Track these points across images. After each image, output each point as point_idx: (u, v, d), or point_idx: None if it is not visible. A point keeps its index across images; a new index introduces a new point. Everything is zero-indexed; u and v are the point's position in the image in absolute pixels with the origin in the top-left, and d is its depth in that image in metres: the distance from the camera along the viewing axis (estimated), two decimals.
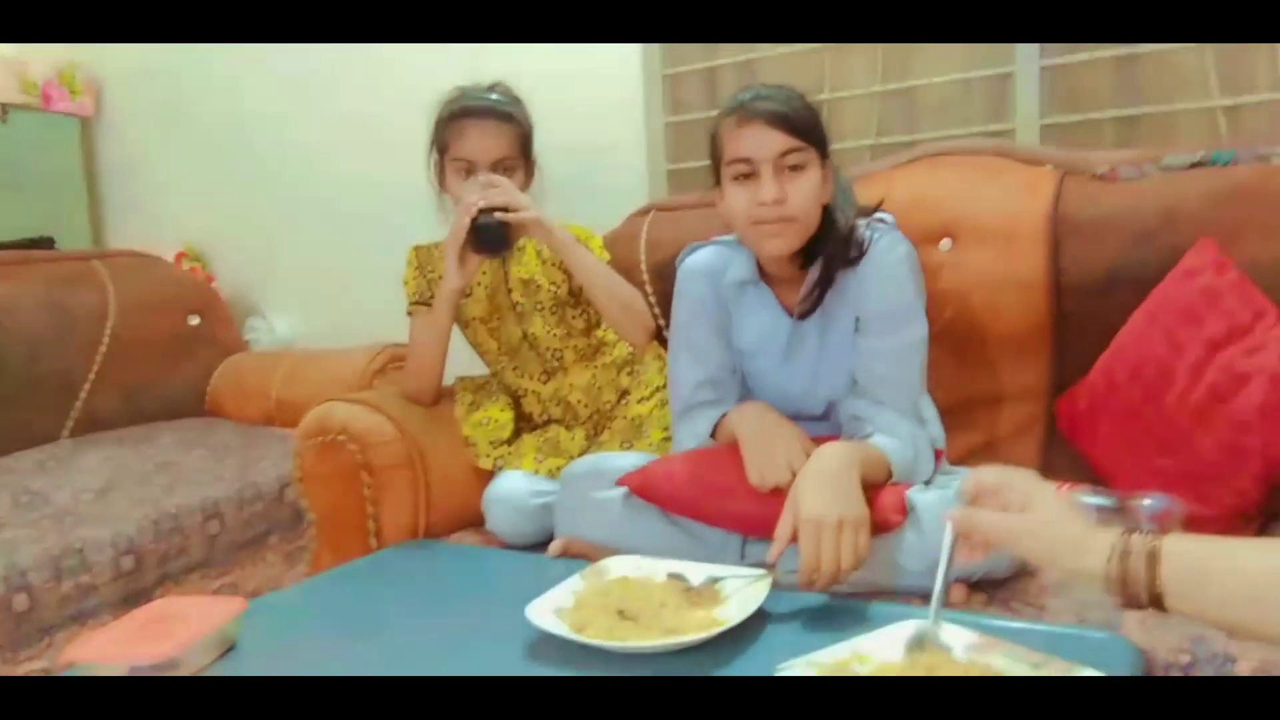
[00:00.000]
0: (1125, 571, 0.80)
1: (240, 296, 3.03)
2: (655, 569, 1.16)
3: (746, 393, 1.45)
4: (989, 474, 0.92)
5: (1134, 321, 1.47)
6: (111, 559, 1.75)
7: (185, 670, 1.01)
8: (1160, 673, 0.96)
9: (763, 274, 1.39)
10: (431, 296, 1.69)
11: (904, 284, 1.33)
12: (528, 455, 1.60)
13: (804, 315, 1.36)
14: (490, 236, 1.54)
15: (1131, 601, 0.80)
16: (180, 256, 2.97)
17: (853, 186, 1.39)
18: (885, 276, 1.32)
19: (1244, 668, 0.93)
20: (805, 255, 1.34)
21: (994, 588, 1.16)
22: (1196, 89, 1.81)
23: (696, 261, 1.44)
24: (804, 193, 1.27)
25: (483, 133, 1.60)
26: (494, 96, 1.65)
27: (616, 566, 1.17)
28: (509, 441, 1.65)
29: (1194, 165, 1.56)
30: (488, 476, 1.57)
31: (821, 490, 1.10)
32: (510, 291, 1.70)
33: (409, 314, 1.72)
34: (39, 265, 2.54)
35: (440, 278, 1.65)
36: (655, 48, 2.27)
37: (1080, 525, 0.89)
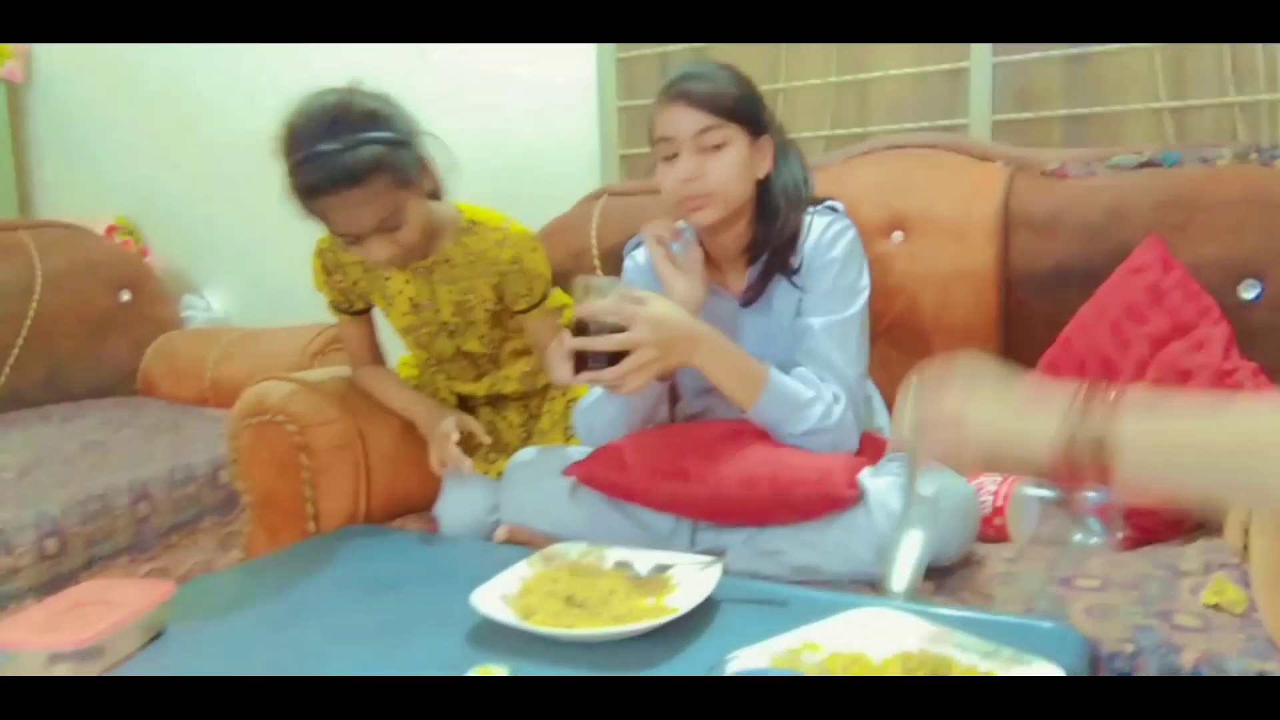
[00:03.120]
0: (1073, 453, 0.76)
1: (176, 272, 2.93)
2: (604, 556, 1.14)
3: (691, 379, 1.43)
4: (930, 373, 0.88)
5: (1080, 317, 1.49)
6: (34, 541, 1.68)
7: (109, 658, 0.97)
8: (1105, 660, 0.97)
9: (707, 259, 1.38)
10: (349, 305, 1.56)
11: (848, 266, 1.34)
12: (476, 460, 1.51)
13: (748, 303, 1.37)
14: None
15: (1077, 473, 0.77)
16: (112, 229, 2.87)
17: (807, 166, 1.40)
18: (829, 260, 1.33)
19: (1188, 656, 0.94)
20: (749, 238, 1.36)
21: (942, 576, 1.16)
22: (1145, 90, 1.83)
23: (642, 252, 1.43)
24: (722, 169, 1.29)
25: (341, 208, 1.29)
26: (337, 146, 1.26)
27: (564, 552, 1.15)
28: None
29: (1141, 165, 1.58)
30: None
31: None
32: (439, 311, 1.52)
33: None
34: None
35: (353, 284, 1.52)
36: None
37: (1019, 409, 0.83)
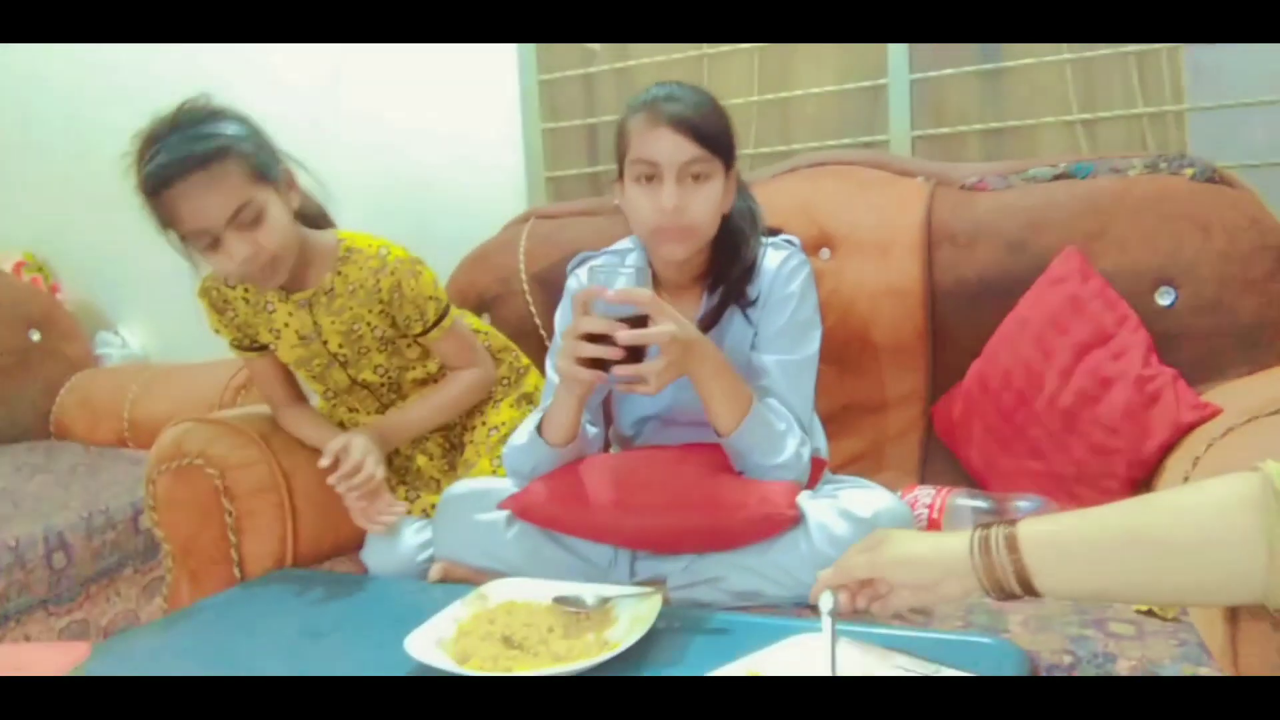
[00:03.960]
0: (990, 563, 0.82)
1: (88, 309, 2.83)
2: (541, 592, 1.11)
3: (634, 405, 1.42)
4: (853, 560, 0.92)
5: (1004, 328, 1.51)
6: None
7: None
8: (1045, 673, 0.98)
9: (656, 283, 1.36)
10: (248, 340, 1.50)
11: (804, 302, 1.32)
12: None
13: (705, 330, 1.31)
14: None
15: (1002, 591, 0.82)
16: (19, 266, 2.75)
17: (753, 195, 1.39)
18: (787, 295, 1.31)
19: (1123, 666, 0.95)
20: (704, 266, 1.33)
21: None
22: (1057, 104, 1.88)
23: (585, 271, 1.40)
24: (705, 203, 1.24)
25: (194, 197, 1.25)
26: (182, 137, 1.27)
27: (500, 591, 1.12)
28: None
29: (1056, 177, 1.62)
30: None
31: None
32: (326, 343, 1.46)
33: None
34: None
35: (244, 321, 1.46)
36: (531, 53, 2.23)
37: (933, 536, 0.90)
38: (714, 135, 1.23)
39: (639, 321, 1.11)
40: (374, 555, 1.43)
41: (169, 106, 1.30)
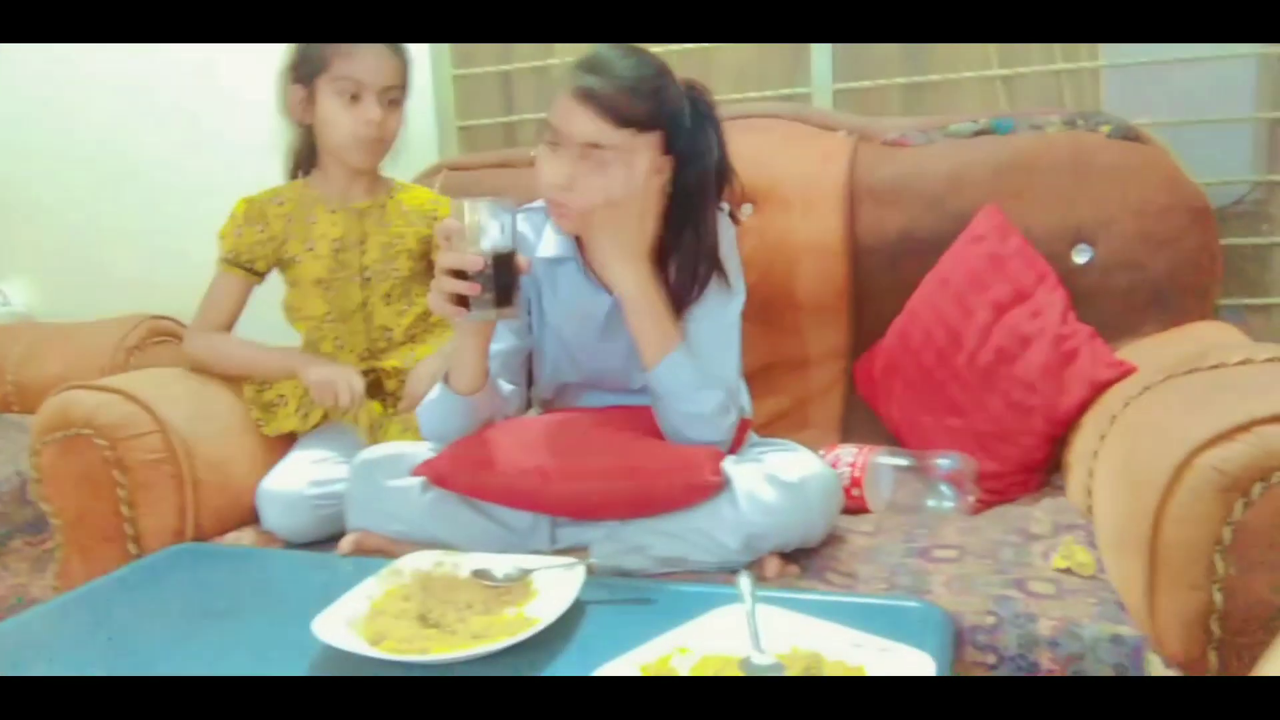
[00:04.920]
0: None
1: None
2: (459, 564, 1.07)
3: (556, 370, 1.38)
4: None
5: (925, 286, 1.51)
6: None
7: None
8: (968, 634, 0.98)
9: (578, 246, 1.31)
10: (251, 260, 1.53)
11: (727, 264, 1.29)
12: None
13: (678, 309, 1.27)
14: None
15: None
16: None
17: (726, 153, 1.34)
18: None
19: (1045, 626, 0.95)
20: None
21: (808, 557, 1.15)
22: (977, 60, 1.87)
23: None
24: (596, 190, 1.19)
25: (375, 54, 1.44)
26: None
27: (415, 564, 1.07)
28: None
29: (977, 134, 1.61)
30: (268, 468, 1.42)
31: None
32: (364, 253, 1.53)
33: (219, 268, 1.55)
34: None
35: (270, 237, 1.52)
36: None
37: None
38: (635, 114, 1.17)
39: (504, 257, 1.09)
40: (267, 480, 1.39)
41: None
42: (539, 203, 1.33)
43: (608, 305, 1.31)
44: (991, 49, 1.85)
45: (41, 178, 2.54)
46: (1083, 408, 1.32)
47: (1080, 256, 1.48)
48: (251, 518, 1.41)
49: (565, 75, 1.20)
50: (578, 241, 1.31)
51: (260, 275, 1.56)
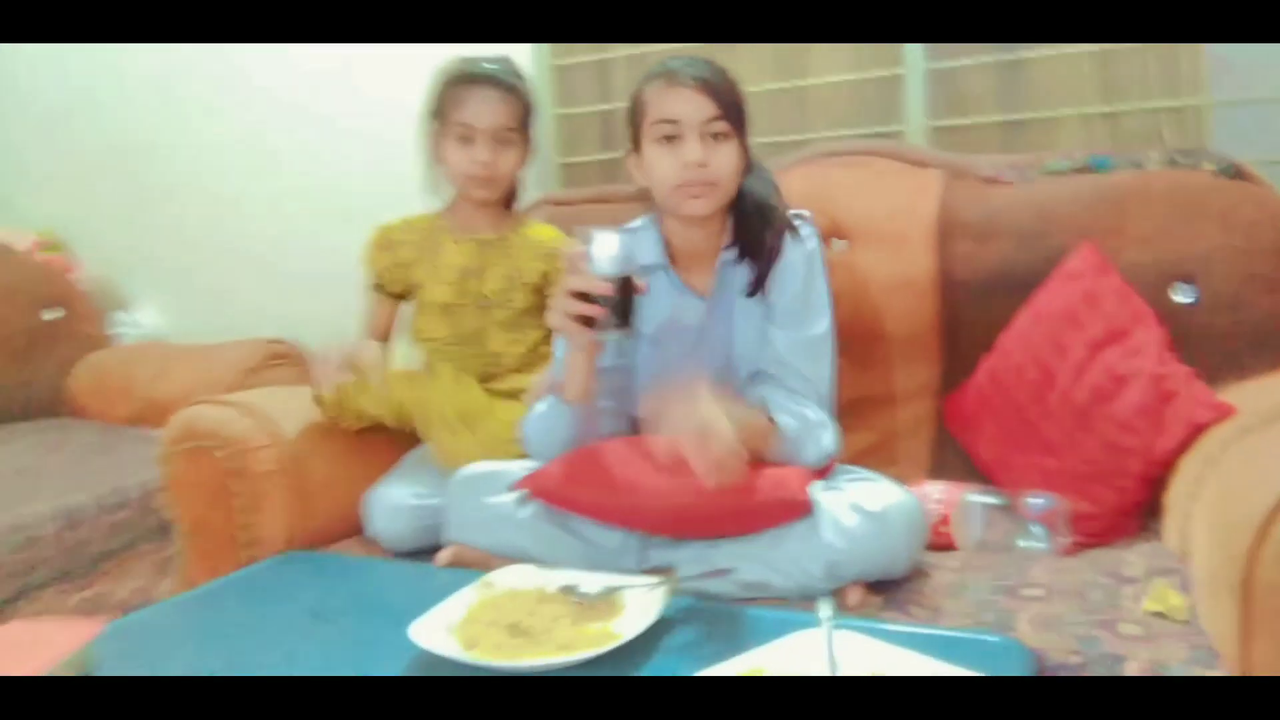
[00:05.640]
0: None
1: (106, 288, 2.84)
2: (549, 580, 1.11)
3: (652, 383, 1.42)
4: None
5: (1018, 323, 1.50)
6: None
7: None
8: (1051, 673, 0.97)
9: (671, 255, 1.37)
10: (383, 283, 1.68)
11: (813, 277, 1.34)
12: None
13: (750, 294, 1.34)
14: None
15: None
16: (36, 245, 2.77)
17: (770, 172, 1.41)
18: (796, 268, 1.33)
19: (1132, 667, 0.94)
20: (720, 236, 1.35)
21: (891, 589, 1.16)
22: (1076, 96, 1.86)
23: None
24: (726, 160, 1.27)
25: (483, 100, 1.55)
26: (496, 67, 1.60)
27: (507, 578, 1.12)
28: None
29: (1075, 170, 1.60)
30: (372, 484, 1.49)
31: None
32: (484, 281, 1.62)
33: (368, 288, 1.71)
34: None
35: (401, 263, 1.65)
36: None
37: None
38: (731, 98, 1.28)
39: (625, 282, 1.16)
40: (375, 490, 1.47)
41: None
42: (636, 222, 1.39)
43: (699, 311, 1.35)
44: (1091, 85, 1.83)
45: (174, 211, 2.72)
46: (1181, 450, 1.29)
47: (1181, 296, 1.45)
48: (356, 529, 1.49)
49: (660, 78, 1.28)
50: (668, 252, 1.36)
51: (395, 296, 1.69)
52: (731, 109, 1.27)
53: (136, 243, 2.81)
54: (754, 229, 1.33)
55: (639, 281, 1.19)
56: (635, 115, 1.32)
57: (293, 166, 2.52)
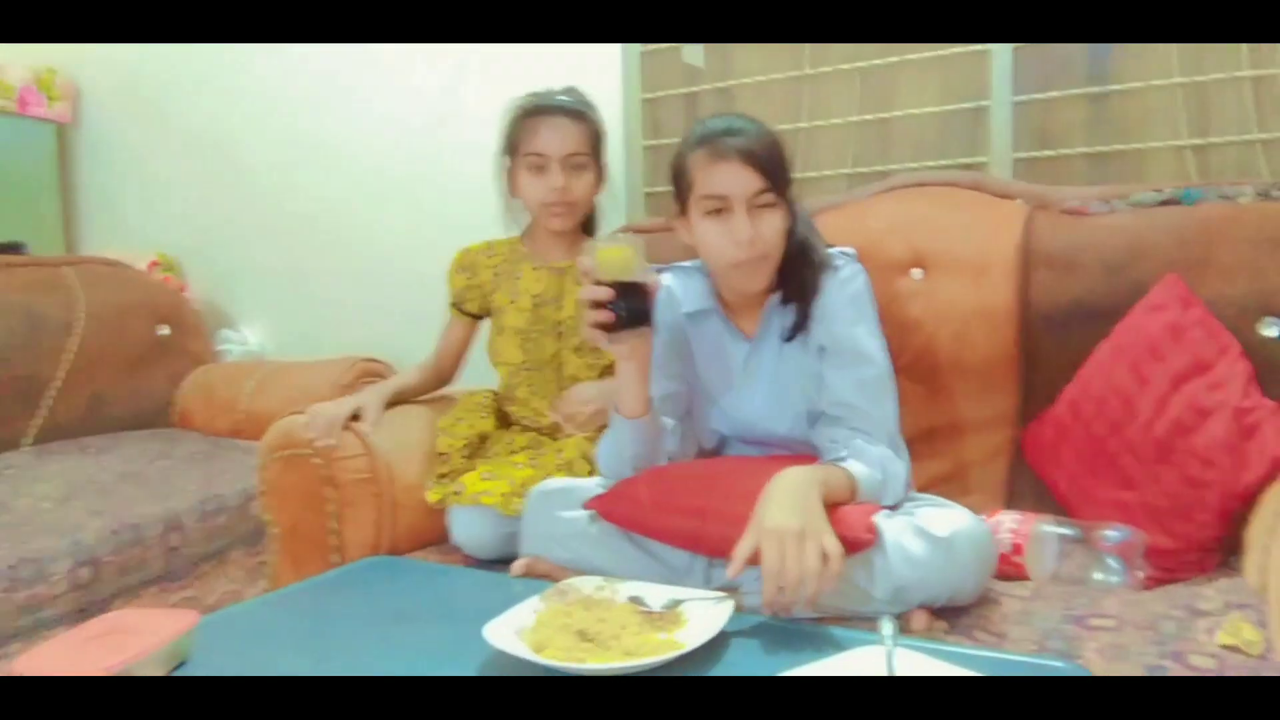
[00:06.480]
0: None
1: (213, 307, 3.01)
2: (617, 590, 1.15)
3: (709, 421, 1.45)
4: None
5: (1099, 354, 1.49)
6: (69, 570, 1.72)
7: None
8: None
9: (719, 298, 1.40)
10: (462, 302, 1.75)
11: (861, 313, 1.35)
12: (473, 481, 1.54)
13: (789, 338, 1.37)
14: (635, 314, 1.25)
15: None
16: (153, 265, 2.95)
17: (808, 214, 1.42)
18: (843, 305, 1.34)
19: None
20: (768, 281, 1.37)
21: (957, 615, 1.16)
22: (1167, 128, 1.84)
23: (668, 275, 1.46)
24: (774, 230, 1.30)
25: (554, 128, 1.61)
26: (565, 97, 1.67)
27: (578, 587, 1.16)
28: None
29: (1162, 203, 1.58)
30: None
31: (782, 504, 1.10)
32: (561, 308, 1.69)
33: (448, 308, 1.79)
34: (9, 270, 2.51)
35: (479, 285, 1.73)
36: (635, 71, 2.29)
37: None
38: (776, 164, 1.28)
39: (627, 285, 1.22)
40: (458, 522, 1.51)
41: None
42: (689, 263, 1.42)
43: (745, 352, 1.38)
44: (1182, 117, 1.81)
45: (278, 237, 2.87)
46: (1263, 484, 1.26)
47: (1269, 330, 1.42)
48: (438, 538, 1.55)
49: (704, 147, 1.29)
50: (718, 295, 1.40)
51: (473, 317, 1.76)
52: (777, 177, 1.28)
53: (244, 266, 2.97)
54: (796, 271, 1.35)
55: (647, 281, 1.24)
56: (681, 183, 1.34)
57: (393, 194, 2.64)
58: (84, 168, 3.23)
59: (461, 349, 1.80)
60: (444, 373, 1.80)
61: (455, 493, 1.50)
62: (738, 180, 1.26)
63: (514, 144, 1.65)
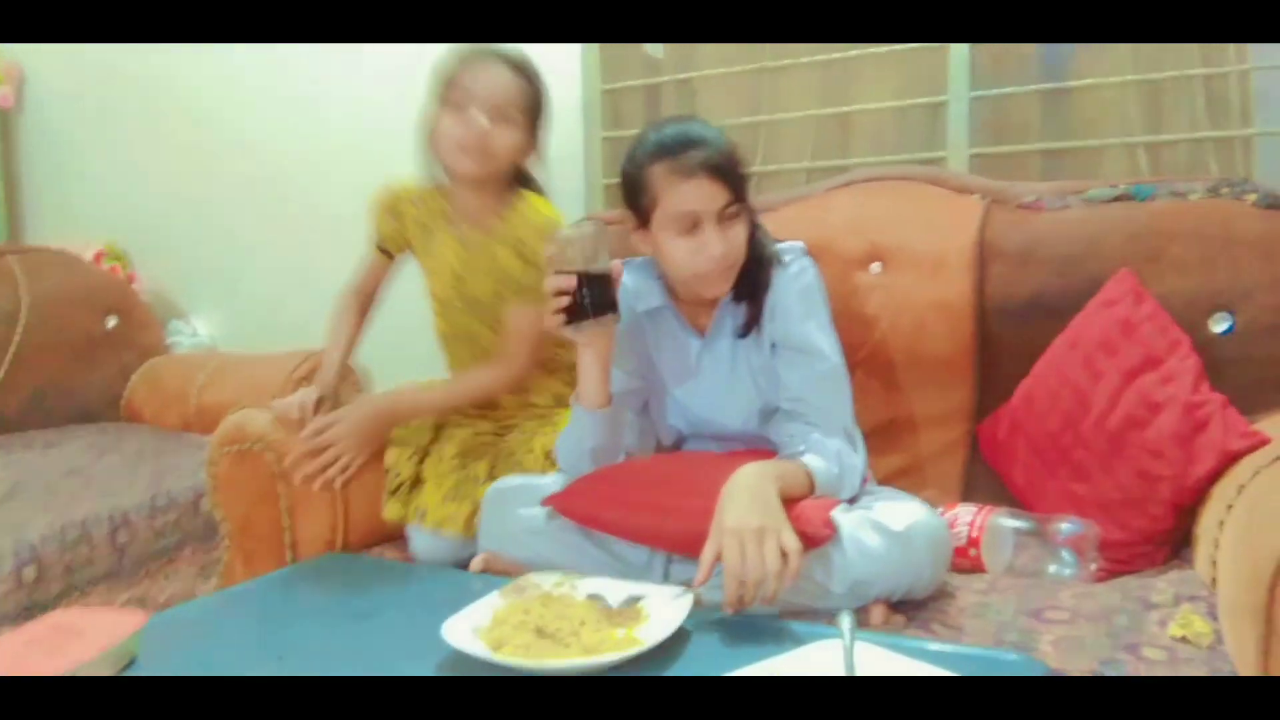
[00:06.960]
0: None
1: (162, 298, 2.94)
2: (577, 586, 1.14)
3: (668, 418, 1.45)
4: None
5: (1054, 349, 1.50)
6: (13, 569, 1.67)
7: None
8: None
9: (672, 295, 1.40)
10: (385, 244, 1.68)
11: (811, 308, 1.35)
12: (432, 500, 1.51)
13: (742, 335, 1.36)
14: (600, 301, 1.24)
15: None
16: (100, 255, 2.87)
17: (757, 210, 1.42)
18: (794, 301, 1.34)
19: None
20: None
21: (915, 609, 1.16)
22: (1120, 125, 1.86)
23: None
24: (742, 238, 1.30)
25: (489, 72, 1.47)
26: (511, 53, 1.52)
27: (537, 583, 1.15)
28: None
29: (1116, 199, 1.60)
30: None
31: (741, 501, 1.10)
32: (475, 284, 1.58)
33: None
34: None
35: (402, 234, 1.66)
36: (595, 62, 2.27)
37: None
38: (740, 175, 1.27)
39: (591, 275, 1.21)
40: (419, 540, 1.48)
41: None
42: (641, 259, 1.41)
43: (696, 347, 1.38)
44: (1135, 115, 1.84)
45: (229, 226, 2.82)
46: (1213, 478, 1.28)
47: (1218, 325, 1.44)
48: (394, 535, 1.53)
49: (666, 161, 1.25)
50: (669, 290, 1.40)
51: (393, 257, 1.70)
52: (740, 187, 1.27)
53: (194, 256, 2.91)
54: (748, 269, 1.34)
55: (607, 269, 1.22)
56: (642, 197, 1.29)
57: (344, 182, 2.59)
58: (28, 154, 3.14)
59: (376, 285, 1.74)
60: (367, 308, 1.76)
61: (418, 515, 1.48)
62: (707, 196, 1.24)
63: (444, 91, 1.49)
